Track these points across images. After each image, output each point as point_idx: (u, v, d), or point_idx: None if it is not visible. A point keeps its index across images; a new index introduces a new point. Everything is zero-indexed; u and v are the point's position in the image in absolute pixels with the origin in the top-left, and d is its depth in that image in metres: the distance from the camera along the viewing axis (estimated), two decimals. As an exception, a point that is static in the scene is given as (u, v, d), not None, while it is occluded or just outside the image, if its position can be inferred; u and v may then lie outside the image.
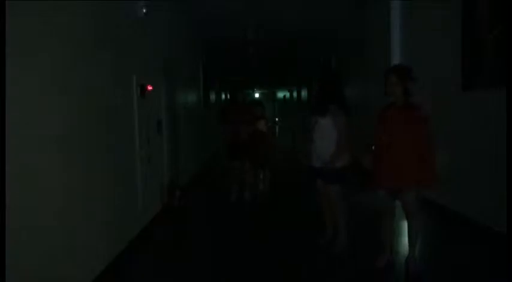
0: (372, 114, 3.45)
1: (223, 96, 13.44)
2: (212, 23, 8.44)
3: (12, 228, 1.94)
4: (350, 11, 7.87)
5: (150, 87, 4.57)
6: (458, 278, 3.07)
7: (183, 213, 5.15)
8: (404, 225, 3.29)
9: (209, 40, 9.91)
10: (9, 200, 1.93)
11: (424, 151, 2.96)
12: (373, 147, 3.20)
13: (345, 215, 3.57)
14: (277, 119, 27.61)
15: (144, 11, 4.29)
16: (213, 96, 10.83)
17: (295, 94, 25.35)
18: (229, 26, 8.91)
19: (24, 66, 2.16)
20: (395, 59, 5.76)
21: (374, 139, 3.18)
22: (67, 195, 2.59)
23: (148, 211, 4.47)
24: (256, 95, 29.03)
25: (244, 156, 5.51)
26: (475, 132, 4.04)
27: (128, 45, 3.91)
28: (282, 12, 7.84)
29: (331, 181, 3.51)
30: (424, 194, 3.93)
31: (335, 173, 3.46)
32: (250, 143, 5.42)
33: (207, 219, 4.95)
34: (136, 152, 4.07)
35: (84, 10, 2.90)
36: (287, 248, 3.77)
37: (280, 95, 30.86)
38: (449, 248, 3.68)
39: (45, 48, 2.37)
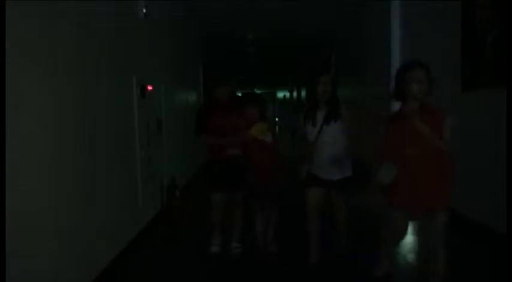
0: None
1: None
2: (212, 22, 8.45)
3: (11, 228, 1.94)
4: (350, 11, 7.88)
5: (150, 87, 4.57)
6: (458, 278, 3.06)
7: (183, 213, 5.14)
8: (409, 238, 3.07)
9: (209, 40, 9.91)
10: (9, 200, 1.93)
11: (449, 162, 2.57)
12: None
13: (346, 224, 3.45)
14: (277, 119, 27.58)
15: (144, 11, 4.29)
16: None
17: (295, 94, 25.36)
18: (230, 25, 8.92)
19: (23, 67, 2.16)
20: (396, 59, 5.76)
21: (391, 151, 2.70)
22: (66, 196, 2.59)
23: (149, 211, 4.48)
24: None
25: (233, 185, 3.49)
26: (475, 132, 4.04)
27: (128, 45, 3.91)
28: (282, 12, 7.85)
29: (341, 190, 3.28)
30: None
31: (345, 182, 3.23)
32: (244, 163, 3.46)
33: (206, 219, 4.94)
34: (136, 152, 4.07)
35: (84, 10, 2.89)
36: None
37: (280, 95, 30.86)
38: (448, 248, 3.67)
39: (44, 48, 2.37)
